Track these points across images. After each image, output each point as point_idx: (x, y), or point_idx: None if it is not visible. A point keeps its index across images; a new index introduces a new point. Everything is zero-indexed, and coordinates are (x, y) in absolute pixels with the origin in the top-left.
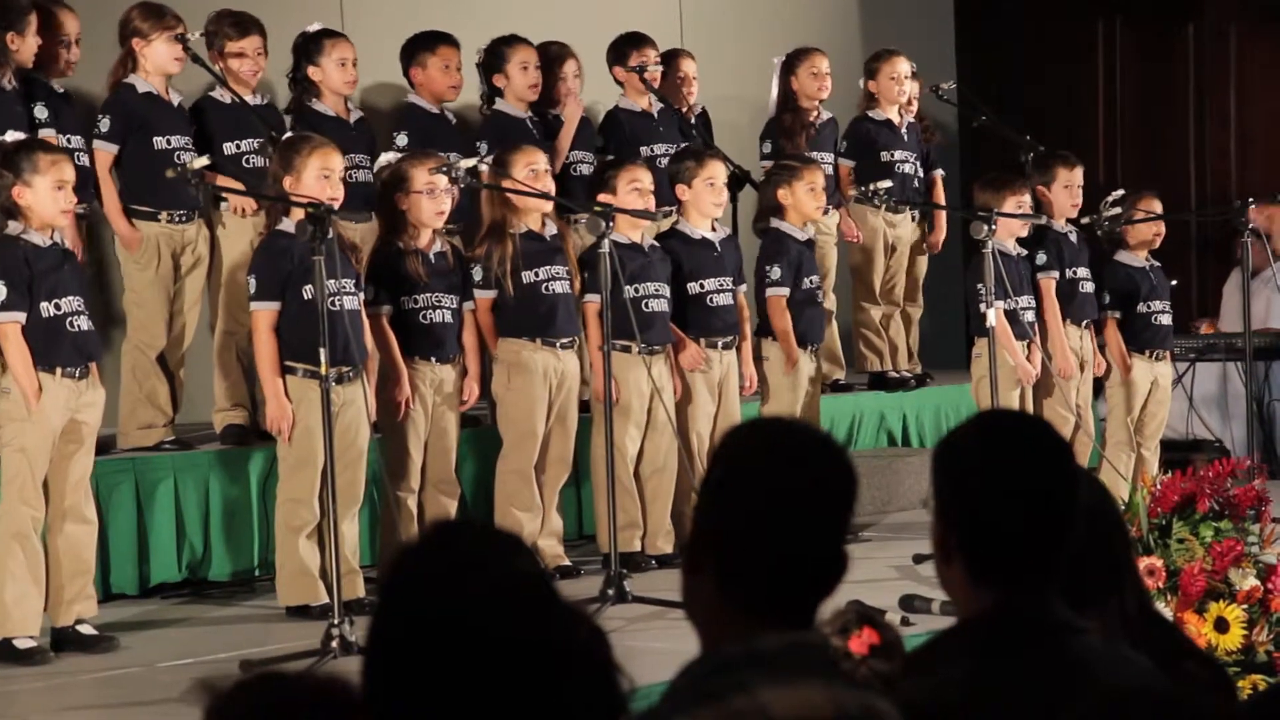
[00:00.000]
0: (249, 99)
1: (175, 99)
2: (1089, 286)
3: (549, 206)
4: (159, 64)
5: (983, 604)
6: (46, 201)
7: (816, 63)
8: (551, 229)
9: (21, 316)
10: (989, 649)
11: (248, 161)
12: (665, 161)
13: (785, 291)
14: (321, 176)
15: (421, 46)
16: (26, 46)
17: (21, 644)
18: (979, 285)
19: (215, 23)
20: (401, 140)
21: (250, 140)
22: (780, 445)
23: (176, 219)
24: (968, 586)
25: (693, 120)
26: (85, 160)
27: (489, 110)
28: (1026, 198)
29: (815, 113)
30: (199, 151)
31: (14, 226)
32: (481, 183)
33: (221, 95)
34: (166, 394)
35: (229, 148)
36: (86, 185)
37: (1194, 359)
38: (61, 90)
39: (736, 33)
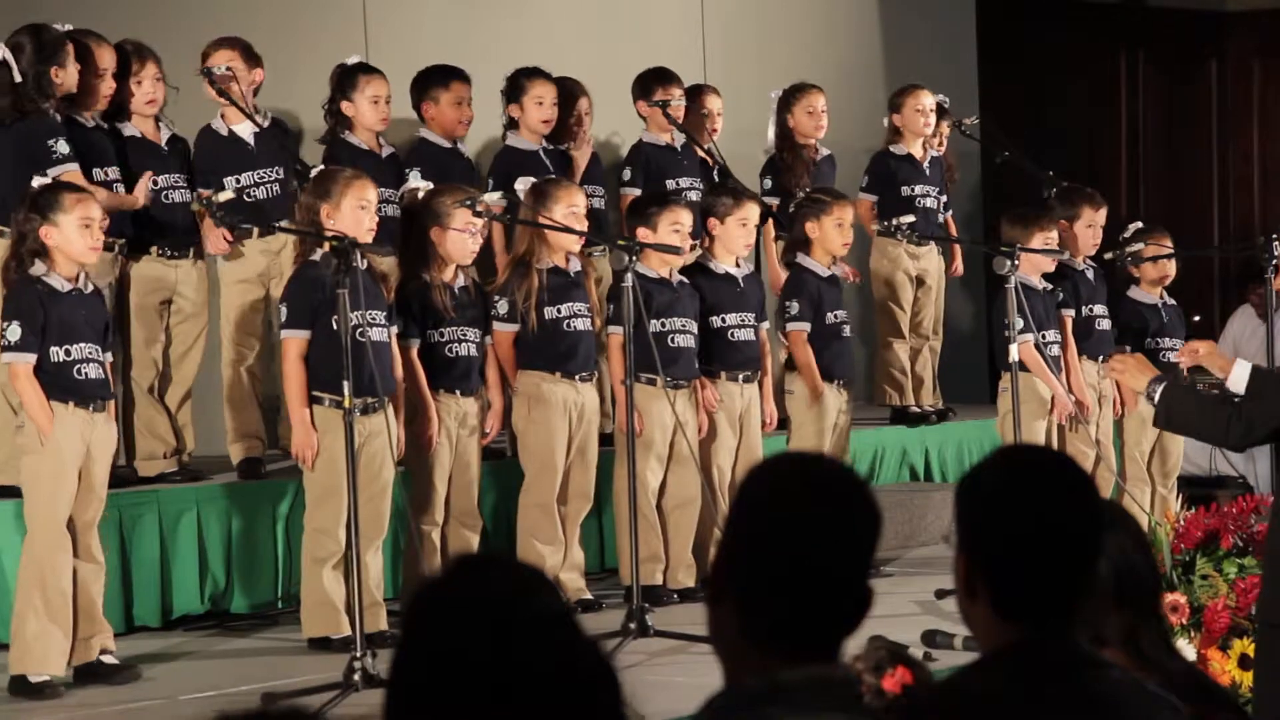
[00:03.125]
0: (258, 124)
1: (164, 135)
2: (1105, 323)
3: (578, 245)
4: (138, 106)
5: (1007, 639)
6: (74, 240)
7: (812, 101)
8: (575, 265)
9: (32, 358)
10: (1012, 684)
11: (249, 195)
12: (691, 195)
13: (805, 326)
14: (359, 208)
15: (435, 82)
16: (69, 76)
17: (35, 679)
18: (1004, 320)
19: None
20: (415, 175)
21: (250, 174)
22: (805, 480)
23: (167, 254)
24: (992, 622)
25: (718, 159)
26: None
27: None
28: (1054, 234)
29: (814, 149)
30: (190, 186)
31: (38, 268)
32: (505, 218)
33: (219, 128)
34: (166, 425)
35: (230, 182)
36: (125, 219)
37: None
38: (93, 124)
39: (759, 67)
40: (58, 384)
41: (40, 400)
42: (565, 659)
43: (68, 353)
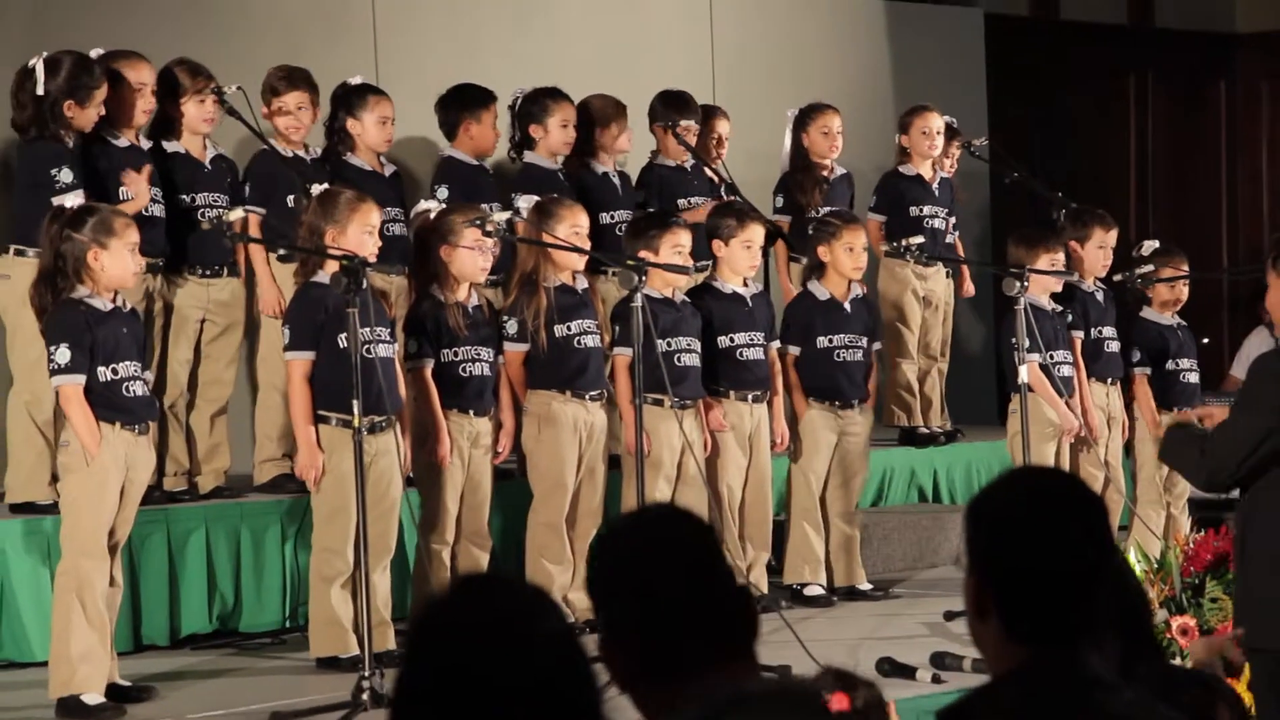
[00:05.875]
0: (298, 152)
1: (210, 154)
2: (1115, 345)
3: (583, 264)
4: (190, 124)
5: (1018, 660)
6: (121, 265)
7: (828, 121)
8: (582, 282)
9: (82, 379)
10: (1025, 706)
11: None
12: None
13: (793, 350)
14: (365, 233)
15: (478, 102)
16: (84, 116)
17: (90, 699)
18: (1013, 340)
19: (269, 76)
20: (443, 193)
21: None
22: (643, 531)
23: (200, 273)
24: (1003, 643)
25: (726, 179)
26: (158, 211)
27: (520, 160)
28: (1060, 255)
29: (828, 169)
30: (234, 204)
31: (80, 290)
32: (516, 236)
33: (283, 149)
34: (181, 444)
35: (289, 201)
36: (160, 237)
37: None
38: (128, 144)
39: (768, 89)
40: (107, 404)
41: (89, 422)
42: (568, 679)
43: (114, 371)
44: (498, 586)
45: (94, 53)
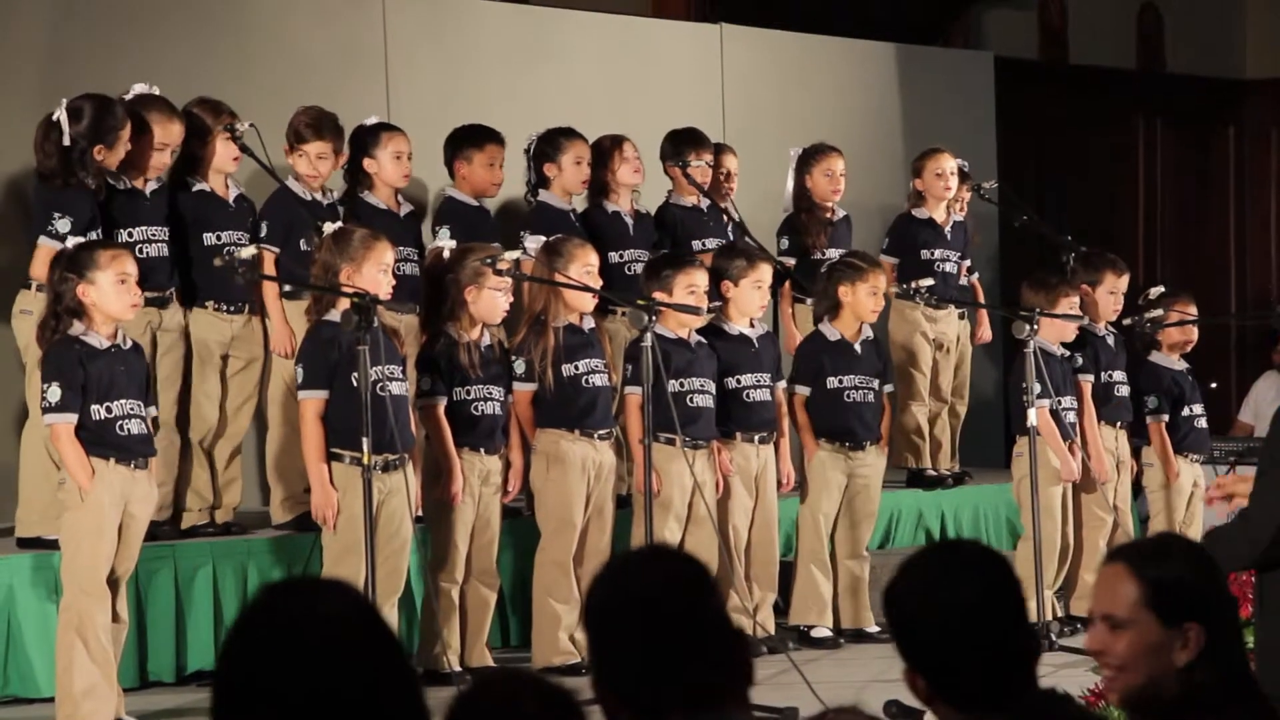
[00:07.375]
0: (315, 195)
1: (233, 193)
2: (1124, 390)
3: (593, 304)
4: (218, 163)
5: None
6: (111, 297)
7: (830, 164)
8: (589, 322)
9: (73, 418)
10: None
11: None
12: None
13: (803, 390)
14: (380, 271)
15: (469, 142)
16: (114, 156)
17: None
18: (1022, 384)
19: (296, 120)
20: (444, 233)
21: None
22: (644, 572)
23: (224, 309)
24: (956, 717)
25: (737, 218)
26: (154, 251)
27: (533, 200)
28: (1076, 300)
29: (831, 211)
30: (253, 242)
31: (76, 327)
32: (526, 275)
33: (301, 190)
34: (206, 480)
35: (302, 243)
36: (171, 275)
37: (1233, 461)
38: (129, 187)
39: (779, 131)
40: (100, 441)
41: (80, 459)
42: (337, 662)
43: (109, 410)
44: (288, 586)
45: (136, 88)
